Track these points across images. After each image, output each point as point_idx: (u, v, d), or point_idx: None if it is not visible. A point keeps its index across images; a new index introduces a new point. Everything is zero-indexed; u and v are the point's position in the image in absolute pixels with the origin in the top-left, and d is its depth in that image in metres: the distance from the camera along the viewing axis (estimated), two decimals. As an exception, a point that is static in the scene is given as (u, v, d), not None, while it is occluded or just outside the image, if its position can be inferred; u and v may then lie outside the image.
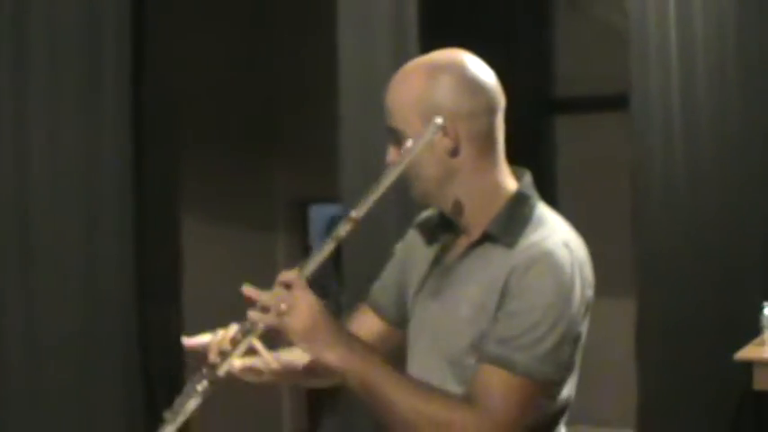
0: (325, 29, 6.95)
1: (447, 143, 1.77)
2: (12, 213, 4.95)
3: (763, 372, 4.23)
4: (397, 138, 1.81)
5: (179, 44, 6.45)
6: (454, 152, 1.78)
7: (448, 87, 1.78)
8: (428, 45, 4.68)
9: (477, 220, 1.80)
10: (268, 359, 1.95)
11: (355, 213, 1.76)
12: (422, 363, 1.84)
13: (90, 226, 5.29)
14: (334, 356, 1.69)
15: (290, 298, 1.70)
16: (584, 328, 1.78)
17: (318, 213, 9.23)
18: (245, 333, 1.80)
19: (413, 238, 2.02)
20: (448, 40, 5.42)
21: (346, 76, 4.79)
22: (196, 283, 6.79)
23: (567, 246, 1.72)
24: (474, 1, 5.88)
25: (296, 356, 2.01)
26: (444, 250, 1.89)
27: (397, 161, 1.79)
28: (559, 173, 6.37)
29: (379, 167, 4.76)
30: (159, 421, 1.82)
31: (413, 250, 2.00)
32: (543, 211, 1.81)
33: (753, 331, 4.41)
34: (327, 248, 1.77)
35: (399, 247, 2.08)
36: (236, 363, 1.88)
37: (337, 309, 9.72)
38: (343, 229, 1.76)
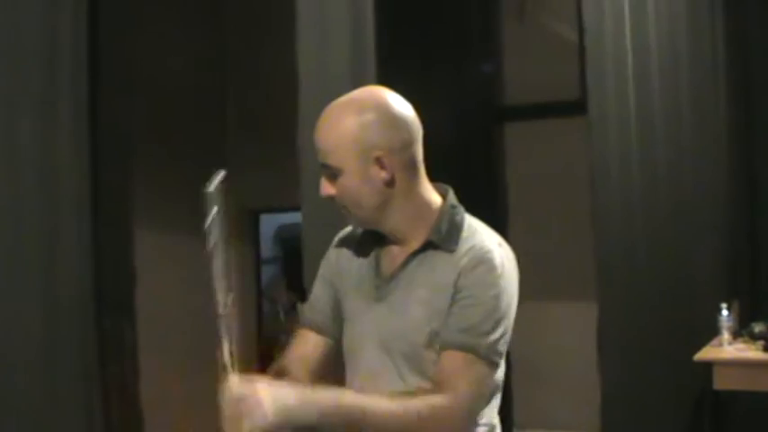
0: (277, 43, 7.01)
1: (384, 175, 1.92)
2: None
3: (722, 372, 4.35)
4: (332, 174, 1.94)
5: (132, 62, 6.48)
6: (390, 182, 1.93)
7: (380, 126, 1.92)
8: (384, 56, 4.75)
9: (413, 233, 1.97)
10: None
11: (222, 310, 1.94)
12: (373, 362, 1.97)
13: (50, 239, 5.25)
14: (310, 413, 1.78)
15: (241, 407, 1.79)
16: (513, 315, 1.96)
17: (269, 222, 9.24)
18: None
19: (335, 255, 2.16)
20: (401, 51, 5.49)
21: (305, 87, 4.81)
22: (150, 294, 6.77)
23: (500, 245, 1.95)
24: (426, 12, 5.94)
25: None
26: (379, 261, 2.03)
27: (211, 257, 1.95)
28: (511, 179, 6.48)
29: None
30: None
31: (339, 266, 2.13)
32: (470, 219, 2.01)
33: (711, 333, 4.52)
34: (226, 345, 1.94)
35: (323, 268, 2.20)
36: None
37: (286, 318, 9.74)
38: (224, 325, 1.94)
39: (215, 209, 1.89)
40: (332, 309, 2.13)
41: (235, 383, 1.82)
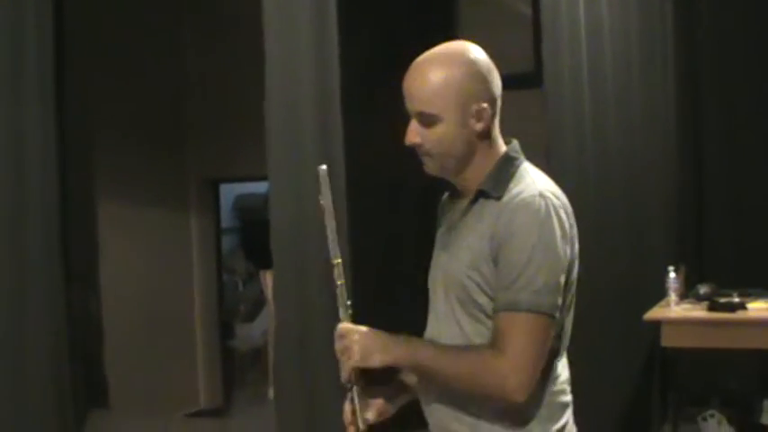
0: (237, 6, 7.06)
1: (480, 127, 1.99)
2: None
3: (669, 330, 4.60)
4: (429, 121, 1.98)
5: (95, 32, 6.54)
6: (482, 134, 2.00)
7: (480, 78, 1.98)
8: (344, 22, 4.86)
9: (473, 182, 2.03)
10: (377, 404, 2.18)
11: (335, 260, 2.11)
12: (439, 306, 2.08)
13: (18, 211, 5.33)
14: (387, 358, 1.99)
15: (340, 345, 2.03)
16: (573, 264, 1.99)
17: (228, 192, 9.30)
18: (349, 392, 2.09)
19: (439, 213, 2.23)
20: (362, 27, 5.56)
21: (271, 52, 4.88)
22: (113, 263, 6.87)
23: (541, 195, 1.92)
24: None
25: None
26: (451, 212, 2.12)
27: (324, 216, 2.09)
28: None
29: (303, 145, 4.91)
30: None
31: (440, 214, 2.23)
32: (526, 168, 2.03)
33: (659, 295, 4.76)
34: (340, 292, 2.11)
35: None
36: (368, 415, 2.13)
37: (244, 288, 9.83)
38: (337, 274, 2.11)
39: (328, 183, 2.08)
40: None
41: (340, 326, 2.04)
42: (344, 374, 2.05)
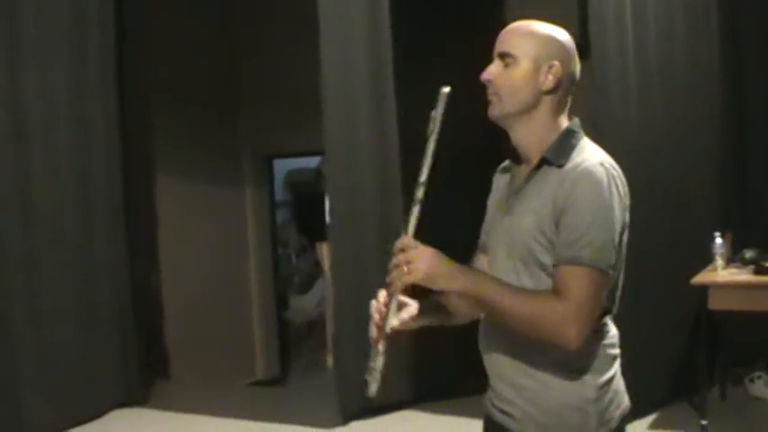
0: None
1: (550, 81, 2.16)
2: (13, 195, 5.20)
3: (716, 294, 4.69)
4: (508, 60, 2.17)
5: (150, 21, 6.72)
6: (549, 91, 2.17)
7: (566, 48, 2.20)
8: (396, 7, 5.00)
9: (537, 150, 2.20)
10: (411, 309, 2.27)
11: (422, 179, 2.15)
12: (501, 266, 2.21)
13: (83, 185, 5.56)
14: (453, 284, 2.09)
15: (408, 257, 2.09)
16: (625, 228, 2.15)
17: (281, 167, 9.46)
18: (391, 295, 2.15)
19: (495, 182, 2.40)
20: (414, 18, 5.60)
21: (326, 34, 5.06)
22: (172, 237, 7.08)
23: (602, 164, 2.09)
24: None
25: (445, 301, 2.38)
26: (513, 178, 2.29)
27: (433, 132, 2.18)
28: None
29: (358, 119, 5.07)
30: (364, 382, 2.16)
31: (496, 191, 2.38)
32: (586, 142, 2.20)
33: (706, 259, 4.85)
34: (415, 211, 2.17)
35: (490, 197, 2.42)
36: (394, 321, 2.20)
37: (297, 260, 9.99)
38: (420, 192, 2.14)
39: (442, 106, 2.16)
40: None
41: (405, 239, 2.12)
42: (397, 285, 2.13)
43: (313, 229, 9.41)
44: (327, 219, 5.90)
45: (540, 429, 2.17)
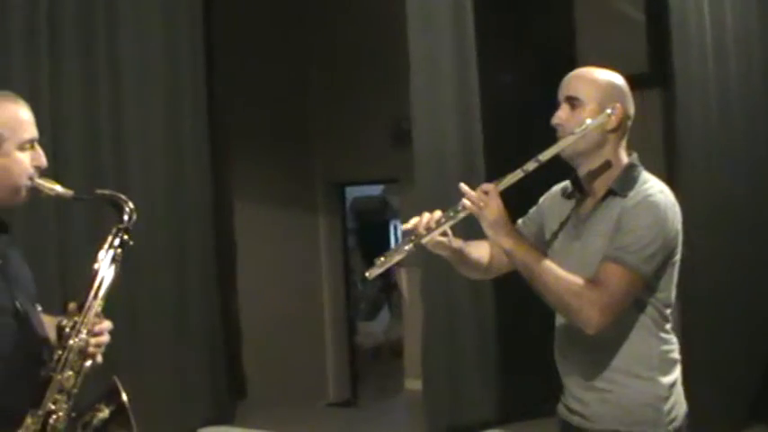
0: (359, 19, 7.33)
1: (613, 121, 2.48)
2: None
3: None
4: (574, 104, 2.50)
5: (233, 52, 6.94)
6: (612, 130, 2.50)
7: (626, 92, 2.56)
8: (482, 30, 5.13)
9: (602, 184, 2.53)
10: (453, 240, 2.65)
11: (542, 157, 2.45)
12: None
13: (177, 214, 5.74)
14: (509, 242, 2.44)
15: (487, 199, 2.42)
16: (677, 248, 2.46)
17: (353, 195, 9.64)
18: (449, 218, 2.49)
19: (553, 196, 2.75)
20: (498, 37, 5.74)
21: (416, 67, 5.20)
22: (249, 263, 7.23)
23: (662, 192, 2.46)
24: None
25: (471, 249, 2.75)
26: (578, 207, 2.60)
27: (575, 131, 2.46)
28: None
29: (446, 149, 5.19)
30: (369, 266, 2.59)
31: (552, 204, 2.73)
32: (647, 175, 2.53)
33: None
34: (516, 176, 2.44)
35: (543, 199, 2.80)
36: (434, 236, 2.54)
37: (363, 288, 10.02)
38: (531, 166, 2.44)
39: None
40: (537, 229, 2.75)
41: (494, 187, 2.43)
42: (459, 214, 2.45)
43: (378, 256, 9.50)
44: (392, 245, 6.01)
45: (618, 425, 2.46)
